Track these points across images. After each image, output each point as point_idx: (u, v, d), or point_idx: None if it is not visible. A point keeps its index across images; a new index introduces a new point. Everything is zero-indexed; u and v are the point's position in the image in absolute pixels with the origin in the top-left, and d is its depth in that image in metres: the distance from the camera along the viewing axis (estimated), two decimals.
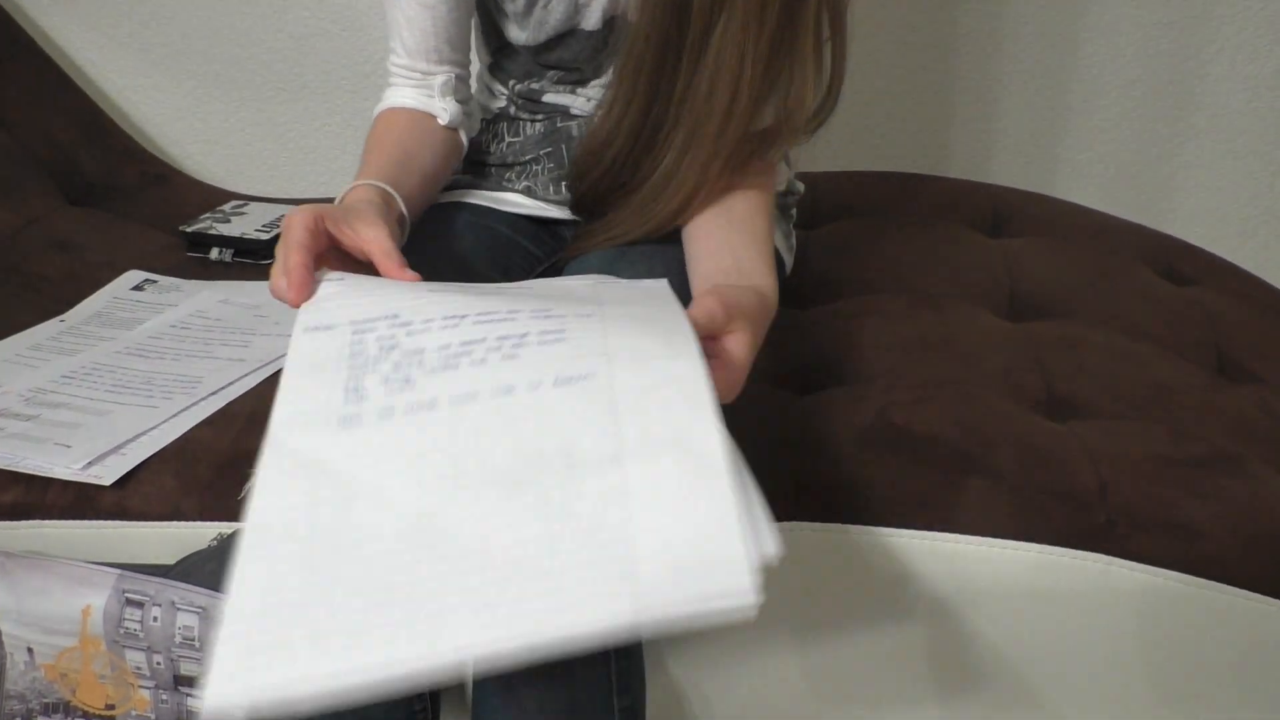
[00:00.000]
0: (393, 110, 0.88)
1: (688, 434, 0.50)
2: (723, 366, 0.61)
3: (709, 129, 0.78)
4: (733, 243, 0.77)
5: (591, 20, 0.85)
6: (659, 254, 0.83)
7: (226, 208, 1.24)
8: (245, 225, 1.19)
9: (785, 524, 0.75)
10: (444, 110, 0.88)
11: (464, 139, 0.92)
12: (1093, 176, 1.42)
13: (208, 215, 1.22)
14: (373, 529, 0.47)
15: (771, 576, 0.74)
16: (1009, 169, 1.42)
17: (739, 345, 0.62)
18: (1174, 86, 1.38)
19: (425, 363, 0.54)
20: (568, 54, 0.88)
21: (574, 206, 0.92)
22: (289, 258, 0.63)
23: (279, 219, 1.20)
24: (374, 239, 0.66)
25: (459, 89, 0.89)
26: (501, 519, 0.47)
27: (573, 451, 0.49)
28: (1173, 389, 0.89)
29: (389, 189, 0.77)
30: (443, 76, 0.88)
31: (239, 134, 1.46)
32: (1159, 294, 1.05)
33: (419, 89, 0.88)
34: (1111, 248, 1.13)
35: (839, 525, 0.74)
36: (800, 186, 1.01)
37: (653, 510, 0.47)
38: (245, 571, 0.46)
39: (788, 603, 0.76)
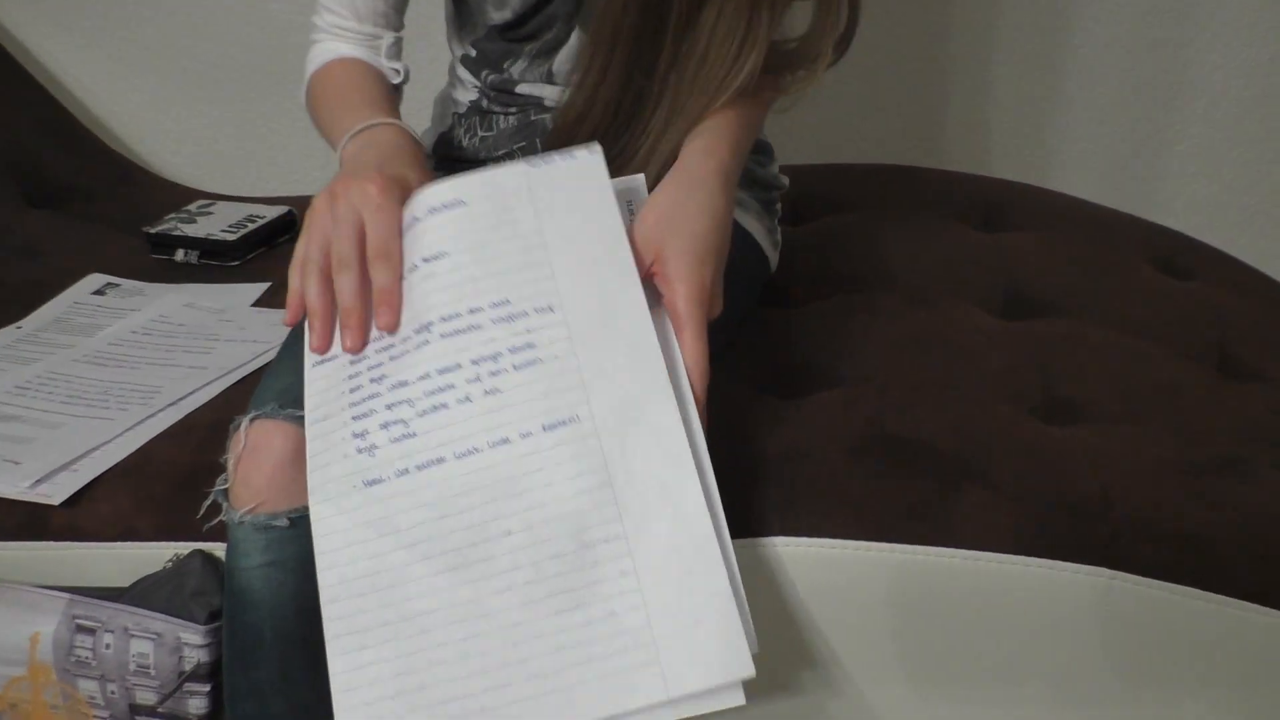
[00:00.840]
0: (346, 60, 0.84)
1: (676, 497, 0.57)
2: (680, 328, 0.63)
3: (697, 101, 0.76)
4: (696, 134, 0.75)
5: None
6: None
7: (192, 207, 1.20)
8: (211, 226, 1.15)
9: (776, 539, 0.72)
10: (394, 72, 0.85)
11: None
12: (1088, 167, 1.40)
13: (173, 215, 1.19)
14: (428, 617, 0.56)
15: (760, 595, 0.71)
16: (1001, 160, 1.40)
17: (679, 300, 0.64)
18: (1168, 75, 1.36)
19: (415, 403, 0.60)
20: (541, 25, 0.85)
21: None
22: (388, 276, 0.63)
23: (246, 218, 1.16)
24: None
25: (400, 54, 0.87)
26: (537, 609, 0.55)
27: (583, 534, 0.56)
28: (1176, 389, 0.86)
29: (408, 129, 0.75)
30: (391, 37, 0.85)
31: (206, 131, 1.43)
32: (1158, 289, 1.02)
33: (365, 48, 0.85)
34: (1108, 241, 1.10)
35: (830, 540, 0.71)
36: (785, 181, 0.98)
37: (659, 588, 0.54)
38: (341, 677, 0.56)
39: (778, 620, 0.73)
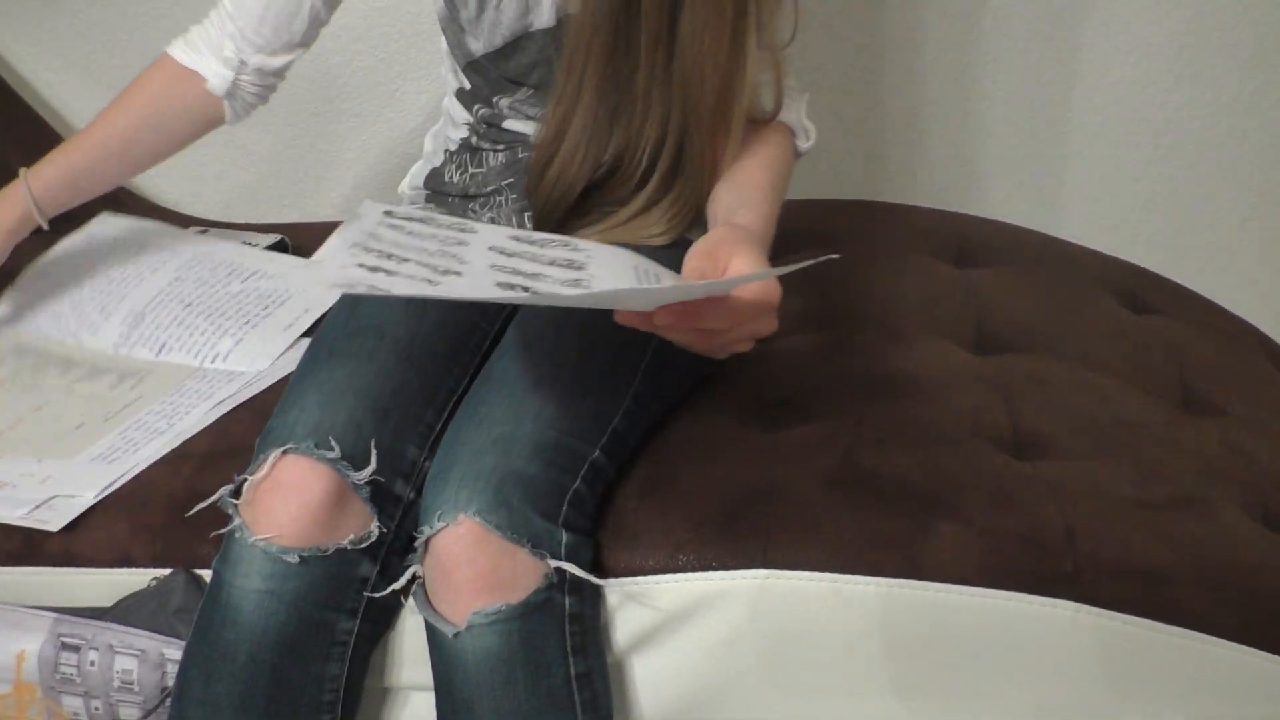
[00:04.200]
0: (174, 70, 0.93)
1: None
2: (744, 292, 0.64)
3: (700, 107, 0.80)
4: (730, 193, 0.79)
5: (543, 17, 0.85)
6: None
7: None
8: None
9: (757, 572, 0.74)
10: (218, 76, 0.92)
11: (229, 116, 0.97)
12: (1057, 204, 1.43)
13: None
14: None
15: (739, 626, 0.74)
16: (978, 197, 1.42)
17: (740, 267, 0.66)
18: (1134, 114, 1.39)
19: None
20: (526, 58, 0.87)
21: (536, 223, 0.91)
22: None
23: (243, 243, 1.17)
24: None
25: (252, 72, 0.93)
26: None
27: None
28: (1138, 425, 0.89)
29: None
30: (254, 61, 0.92)
31: (196, 155, 1.42)
32: (1122, 325, 1.06)
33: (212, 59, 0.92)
34: (1075, 277, 1.13)
35: (807, 573, 0.74)
36: None
37: None
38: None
39: (757, 654, 0.75)
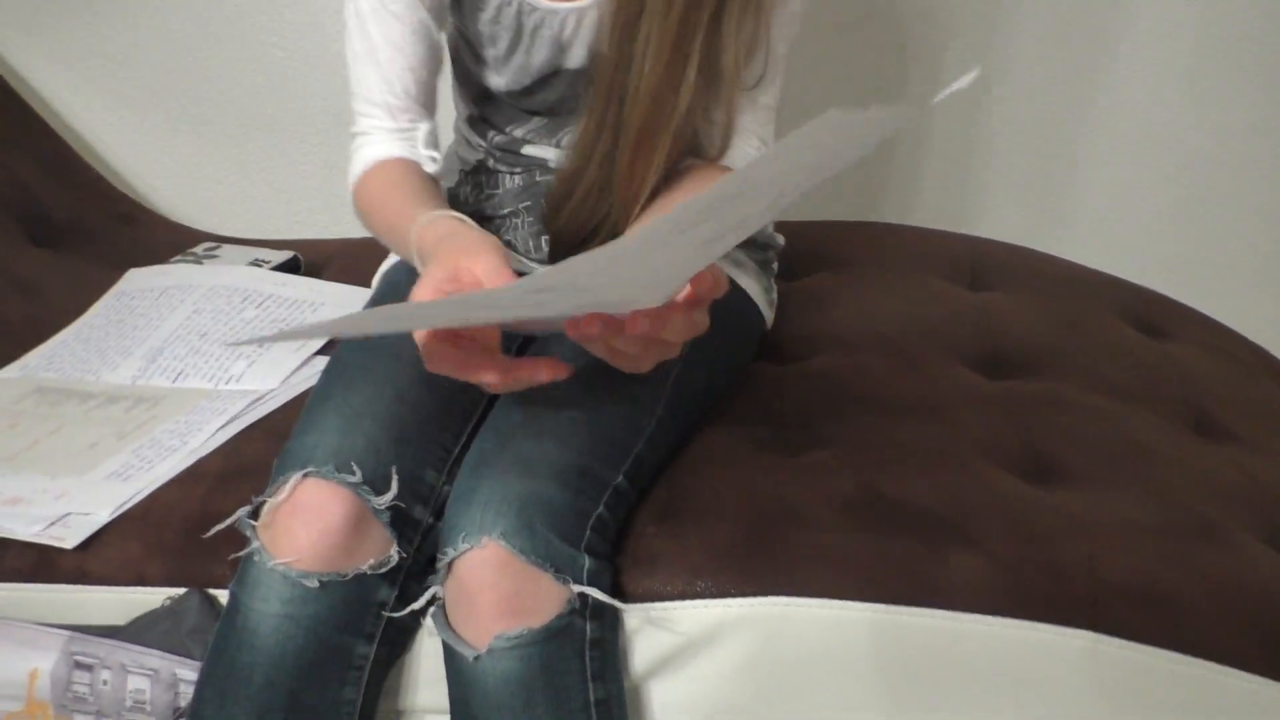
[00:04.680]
0: (386, 161, 0.84)
1: None
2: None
3: (648, 129, 0.80)
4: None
5: (576, 58, 0.84)
6: None
7: (199, 250, 1.22)
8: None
9: (775, 599, 0.74)
10: (431, 160, 0.85)
11: (443, 192, 0.90)
12: (1067, 226, 1.43)
13: (180, 258, 1.19)
14: None
15: (756, 652, 0.74)
16: (984, 217, 1.42)
17: (488, 269, 0.66)
18: (1147, 135, 1.39)
19: None
20: (552, 95, 0.87)
21: (552, 249, 0.90)
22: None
23: (253, 262, 1.17)
24: (492, 268, 0.64)
25: (436, 141, 0.87)
26: None
27: None
28: (1152, 450, 0.89)
29: (461, 218, 0.74)
30: (426, 128, 0.85)
31: (210, 171, 1.43)
32: (1135, 349, 1.06)
33: (403, 143, 0.85)
34: (1088, 300, 1.13)
35: (824, 600, 0.73)
36: (780, 240, 1.01)
37: None
38: None
39: (775, 679, 0.75)
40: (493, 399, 0.82)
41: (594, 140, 0.83)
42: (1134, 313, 1.13)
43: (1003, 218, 1.42)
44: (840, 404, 0.90)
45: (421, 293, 0.64)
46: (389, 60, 0.82)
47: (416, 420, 0.77)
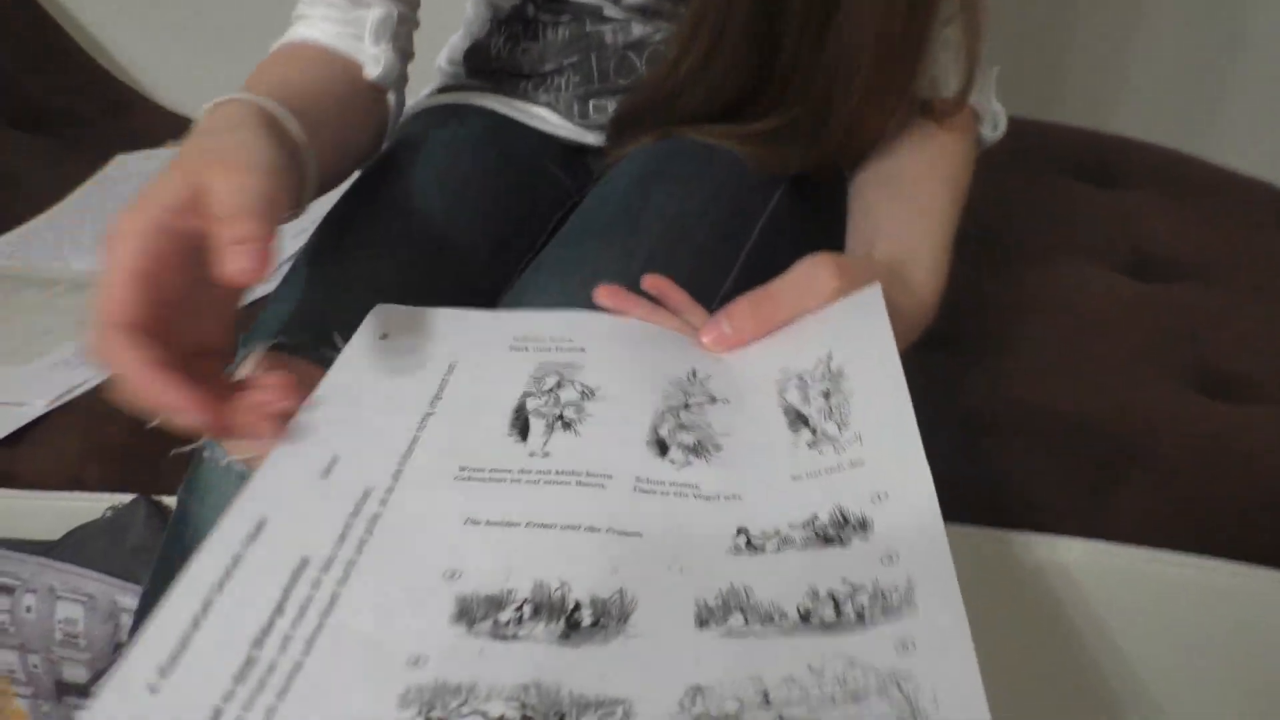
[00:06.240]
0: (300, 43, 0.66)
1: None
2: None
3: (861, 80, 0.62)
4: (895, 213, 0.62)
5: None
6: (707, 166, 0.65)
7: None
8: None
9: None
10: (375, 59, 0.67)
11: (393, 105, 0.71)
12: (1217, 129, 1.29)
13: (172, 143, 1.08)
14: None
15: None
16: (1124, 116, 1.29)
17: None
18: None
19: None
20: None
21: (613, 128, 0.73)
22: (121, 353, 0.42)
23: None
24: (228, 193, 0.44)
25: (399, 35, 0.69)
26: None
27: None
28: None
29: (276, 108, 0.56)
30: (378, 12, 0.67)
31: (219, 62, 1.31)
32: None
33: (341, 26, 0.67)
34: (1238, 205, 0.98)
35: (973, 527, 0.59)
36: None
37: None
38: None
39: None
40: (527, 260, 0.66)
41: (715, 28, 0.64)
42: None
43: (1140, 117, 1.28)
44: (972, 306, 0.74)
45: (130, 218, 0.43)
46: None
47: (420, 293, 0.61)
